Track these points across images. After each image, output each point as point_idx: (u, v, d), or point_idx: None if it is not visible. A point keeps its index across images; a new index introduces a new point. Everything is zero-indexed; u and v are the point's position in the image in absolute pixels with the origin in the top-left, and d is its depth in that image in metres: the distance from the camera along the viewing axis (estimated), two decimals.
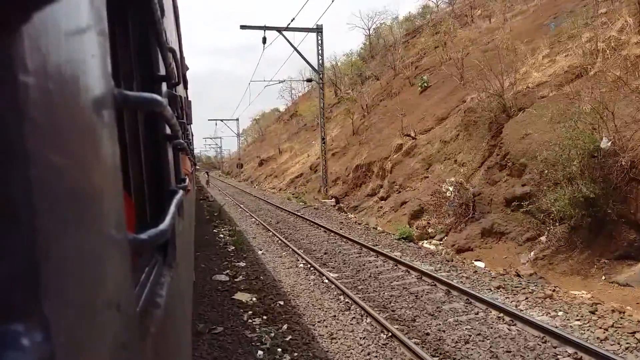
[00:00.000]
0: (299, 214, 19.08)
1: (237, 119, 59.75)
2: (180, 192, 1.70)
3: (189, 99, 6.77)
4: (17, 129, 0.35)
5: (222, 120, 59.02)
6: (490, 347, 5.86)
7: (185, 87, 5.91)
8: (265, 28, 21.06)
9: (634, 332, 6.12)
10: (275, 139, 56.50)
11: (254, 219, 18.83)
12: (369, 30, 50.62)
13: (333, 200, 22.39)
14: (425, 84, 24.79)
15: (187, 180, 2.78)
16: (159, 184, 1.60)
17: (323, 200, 22.54)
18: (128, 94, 0.81)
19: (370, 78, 38.91)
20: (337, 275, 9.53)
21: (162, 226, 1.06)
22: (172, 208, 1.34)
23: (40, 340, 0.34)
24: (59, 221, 0.41)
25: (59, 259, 0.40)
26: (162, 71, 1.69)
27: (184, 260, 2.43)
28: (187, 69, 6.76)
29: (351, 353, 5.93)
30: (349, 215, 19.28)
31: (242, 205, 24.64)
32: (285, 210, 21.15)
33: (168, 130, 1.70)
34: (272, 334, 6.52)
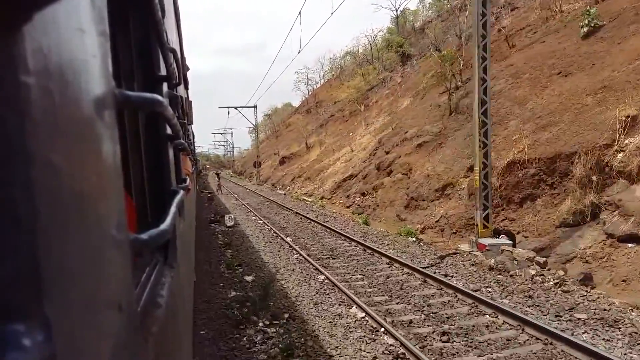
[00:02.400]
0: (471, 291, 7.75)
1: (255, 106, 46.48)
2: (181, 192, 1.70)
3: (190, 99, 6.77)
4: (18, 129, 0.35)
5: (236, 107, 45.49)
6: None
7: (186, 88, 5.91)
8: None
9: None
10: (295, 133, 47.80)
11: (365, 319, 7.00)
12: (396, 11, 46.47)
13: (503, 237, 10.70)
14: (597, 24, 15.80)
15: (188, 180, 2.79)
16: (160, 184, 1.61)
17: (482, 240, 10.57)
18: (129, 94, 0.81)
19: (414, 56, 33.98)
20: None
21: (163, 226, 1.06)
22: (173, 208, 1.34)
23: (42, 340, 0.34)
24: (60, 221, 0.41)
25: (60, 259, 0.40)
26: (163, 71, 1.69)
27: (184, 260, 2.44)
28: (188, 69, 6.76)
29: None
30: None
31: (288, 238, 13.46)
32: (406, 264, 9.66)
33: (169, 131, 1.70)
34: None
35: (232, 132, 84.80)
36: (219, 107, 45.76)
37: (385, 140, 23.55)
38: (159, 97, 0.98)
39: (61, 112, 0.42)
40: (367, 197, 19.80)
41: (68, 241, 0.43)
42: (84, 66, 0.50)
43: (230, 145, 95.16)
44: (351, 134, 33.12)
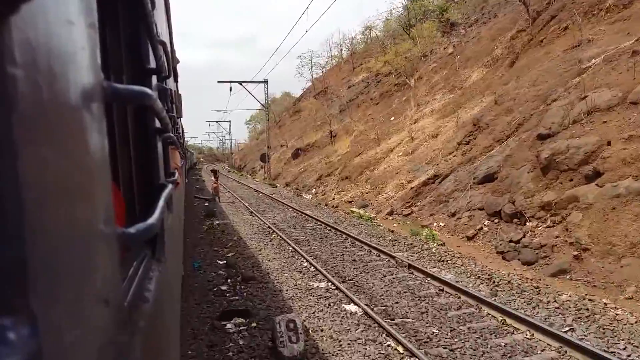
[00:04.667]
0: None
1: (266, 81, 35.11)
2: (170, 186, 1.69)
3: (179, 92, 6.72)
4: (4, 121, 0.34)
5: (240, 82, 33.35)
6: None
7: (176, 80, 5.86)
8: None
9: None
10: (303, 122, 41.30)
11: None
12: None
13: None
14: None
15: (177, 174, 2.77)
16: (148, 178, 1.60)
17: None
18: (118, 86, 0.80)
19: (461, 24, 28.63)
20: None
21: (151, 220, 1.05)
22: (161, 202, 1.33)
23: (28, 334, 0.34)
24: (47, 215, 0.41)
25: (46, 253, 0.40)
26: (153, 64, 1.68)
27: (173, 254, 2.43)
28: (178, 61, 6.70)
29: None
30: None
31: None
32: None
33: (158, 124, 1.69)
34: None
35: (229, 121, 74.50)
36: (218, 82, 33.75)
37: (490, 121, 15.42)
38: (148, 90, 0.97)
39: (49, 105, 0.42)
40: (528, 224, 9.95)
41: (55, 235, 0.42)
42: (72, 58, 0.50)
43: (227, 136, 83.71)
44: (392, 118, 26.41)
